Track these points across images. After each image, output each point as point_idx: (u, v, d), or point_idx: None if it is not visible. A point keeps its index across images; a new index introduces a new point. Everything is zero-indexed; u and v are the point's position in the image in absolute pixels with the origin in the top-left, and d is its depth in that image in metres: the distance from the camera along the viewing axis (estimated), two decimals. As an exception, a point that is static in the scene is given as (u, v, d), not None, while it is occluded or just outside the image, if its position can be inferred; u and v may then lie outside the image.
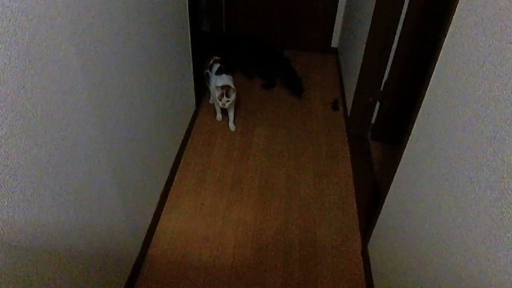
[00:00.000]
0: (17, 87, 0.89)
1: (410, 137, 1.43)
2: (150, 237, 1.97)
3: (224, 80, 2.60)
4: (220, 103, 2.56)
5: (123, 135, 1.54)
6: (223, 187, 2.32)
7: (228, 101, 2.54)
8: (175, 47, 2.21)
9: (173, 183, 2.32)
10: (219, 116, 2.84)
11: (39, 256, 1.06)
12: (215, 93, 2.57)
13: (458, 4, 1.12)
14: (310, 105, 3.08)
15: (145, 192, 1.90)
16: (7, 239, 0.92)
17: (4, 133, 0.86)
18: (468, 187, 0.98)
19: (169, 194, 2.25)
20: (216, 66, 2.71)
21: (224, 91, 2.50)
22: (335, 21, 3.64)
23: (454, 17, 1.14)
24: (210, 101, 2.93)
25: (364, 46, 2.39)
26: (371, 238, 1.85)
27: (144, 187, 1.86)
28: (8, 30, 0.84)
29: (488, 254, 0.87)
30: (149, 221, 1.98)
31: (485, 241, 0.89)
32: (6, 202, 0.90)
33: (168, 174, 2.27)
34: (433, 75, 1.26)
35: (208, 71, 2.78)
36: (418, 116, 1.37)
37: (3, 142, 0.86)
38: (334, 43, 3.78)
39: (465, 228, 0.99)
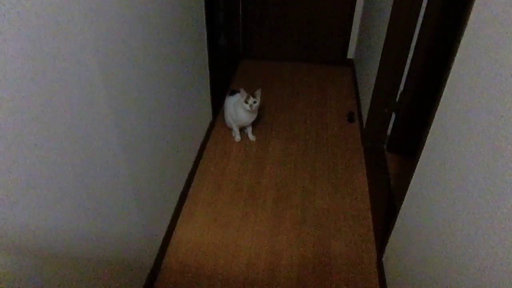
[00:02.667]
0: (43, 99, 0.94)
1: (424, 149, 1.42)
2: (165, 246, 2.00)
3: (237, 97, 2.61)
4: (247, 106, 2.49)
5: (141, 145, 1.59)
6: (238, 198, 2.34)
7: (255, 102, 2.48)
8: (193, 60, 2.27)
9: (189, 193, 2.35)
10: (238, 137, 2.78)
11: (58, 260, 1.10)
12: (232, 112, 2.58)
13: (471, 15, 1.12)
14: (326, 117, 3.09)
15: (161, 201, 1.94)
16: (29, 242, 0.96)
17: (30, 142, 0.91)
18: (482, 199, 0.97)
19: (185, 204, 2.28)
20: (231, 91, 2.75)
21: (250, 93, 2.47)
22: (351, 33, 3.66)
23: (467, 28, 1.14)
24: (228, 126, 2.85)
25: (380, 57, 2.40)
26: (386, 250, 1.83)
27: (160, 196, 1.90)
28: (35, 45, 0.89)
29: (504, 267, 0.86)
30: (165, 231, 2.02)
31: (499, 254, 0.88)
32: (31, 207, 0.94)
33: (184, 184, 2.31)
34: (446, 86, 1.26)
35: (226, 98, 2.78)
36: (432, 128, 1.37)
37: (30, 150, 0.91)
38: (350, 54, 3.80)
39: (479, 241, 0.97)
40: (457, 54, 1.20)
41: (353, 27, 3.62)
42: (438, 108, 1.31)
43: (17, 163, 0.88)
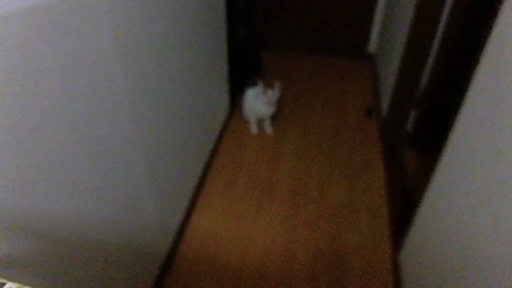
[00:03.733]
0: (63, 85, 0.94)
1: (448, 146, 1.38)
2: (180, 235, 2.02)
3: (257, 89, 2.60)
4: (266, 98, 2.47)
5: (159, 134, 1.59)
6: (254, 190, 2.33)
7: (273, 94, 2.46)
8: (211, 50, 2.26)
9: (205, 184, 2.36)
10: (254, 130, 2.76)
11: (74, 245, 1.11)
12: (251, 104, 2.56)
13: (504, 7, 1.07)
14: (344, 111, 3.04)
15: (178, 191, 1.94)
16: (47, 227, 0.97)
17: (50, 127, 0.92)
18: (508, 199, 0.94)
19: (201, 194, 2.29)
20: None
21: (268, 85, 2.43)
22: (372, 26, 3.59)
23: (499, 20, 1.09)
24: (246, 118, 2.85)
25: (402, 50, 2.34)
26: (403, 248, 1.80)
27: (177, 186, 1.91)
28: (55, 32, 0.89)
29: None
30: (180, 220, 2.03)
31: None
32: (49, 193, 0.95)
33: (200, 174, 2.31)
34: (474, 81, 1.21)
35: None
36: (457, 124, 1.32)
37: (49, 136, 0.92)
38: (371, 48, 3.72)
39: (503, 242, 0.94)
40: (487, 48, 1.15)
41: (374, 20, 3.55)
42: (464, 104, 1.27)
43: (35, 148, 0.89)
